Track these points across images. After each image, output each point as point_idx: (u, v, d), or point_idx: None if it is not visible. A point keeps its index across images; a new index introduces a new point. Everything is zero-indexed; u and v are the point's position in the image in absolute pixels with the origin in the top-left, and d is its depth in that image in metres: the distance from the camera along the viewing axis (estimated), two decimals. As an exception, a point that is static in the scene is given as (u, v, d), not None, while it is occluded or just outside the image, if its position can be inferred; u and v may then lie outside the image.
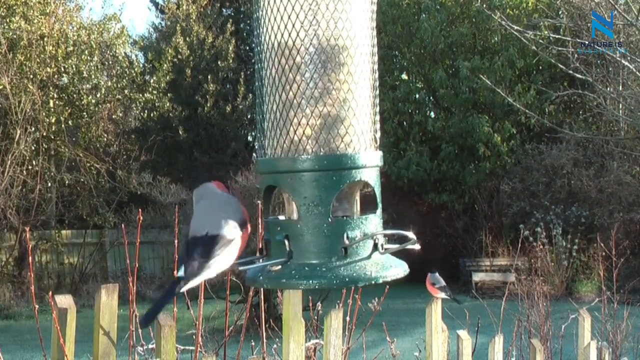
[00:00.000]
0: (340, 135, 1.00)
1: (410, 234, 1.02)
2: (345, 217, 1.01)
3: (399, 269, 1.01)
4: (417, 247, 1.03)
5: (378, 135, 1.05)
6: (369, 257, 1.00)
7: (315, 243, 0.98)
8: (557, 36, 10.65)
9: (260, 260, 1.04)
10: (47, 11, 12.14)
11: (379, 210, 1.03)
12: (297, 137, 1.00)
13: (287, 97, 1.01)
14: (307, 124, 1.00)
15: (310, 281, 0.97)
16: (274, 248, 1.02)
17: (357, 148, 1.01)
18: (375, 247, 1.00)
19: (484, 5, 13.29)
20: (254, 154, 16.16)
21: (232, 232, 1.01)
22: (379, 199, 1.04)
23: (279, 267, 0.99)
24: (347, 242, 0.98)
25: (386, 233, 1.02)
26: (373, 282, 0.98)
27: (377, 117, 1.06)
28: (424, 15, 13.93)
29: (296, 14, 0.99)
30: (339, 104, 1.00)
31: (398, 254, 1.04)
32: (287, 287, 1.01)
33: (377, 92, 1.06)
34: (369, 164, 1.01)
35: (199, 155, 15.33)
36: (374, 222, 1.02)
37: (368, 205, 1.05)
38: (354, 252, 0.99)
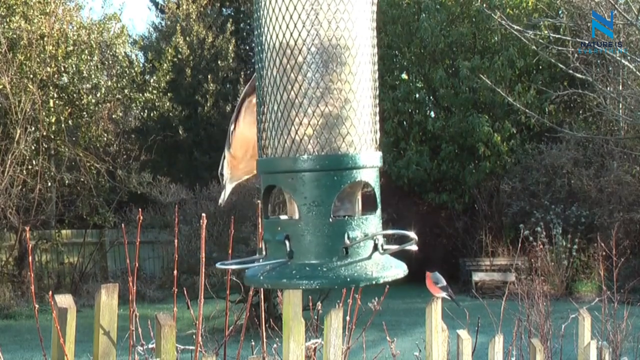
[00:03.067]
0: (341, 135, 1.00)
1: (412, 234, 1.02)
2: (346, 217, 1.02)
3: (399, 270, 1.02)
4: (414, 247, 1.03)
5: (378, 135, 1.05)
6: (369, 257, 1.00)
7: (316, 243, 0.98)
8: (557, 36, 10.66)
9: (260, 260, 1.04)
10: (47, 11, 12.13)
11: (379, 211, 1.04)
12: (299, 136, 1.00)
13: (289, 96, 1.00)
14: (309, 123, 1.00)
15: (312, 281, 0.97)
16: (274, 248, 1.02)
17: (358, 148, 1.01)
18: (375, 247, 1.01)
19: (484, 5, 13.30)
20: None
21: None
22: (378, 200, 1.04)
23: (279, 266, 0.99)
24: (348, 242, 0.98)
25: (387, 233, 1.03)
26: (374, 282, 0.98)
27: (377, 118, 1.06)
28: (424, 15, 13.92)
29: (298, 14, 0.99)
30: (341, 104, 1.00)
31: (397, 254, 1.04)
32: (288, 287, 1.02)
33: (378, 92, 1.06)
34: (369, 164, 1.02)
35: (199, 155, 15.33)
36: (373, 223, 1.02)
37: (368, 205, 1.05)
38: (355, 253, 0.99)
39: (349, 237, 0.98)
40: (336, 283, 0.97)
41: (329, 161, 0.99)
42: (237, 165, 1.27)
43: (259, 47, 1.05)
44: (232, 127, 1.26)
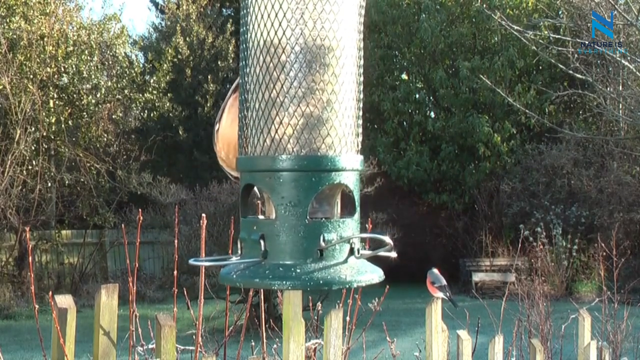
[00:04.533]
0: (322, 136, 0.99)
1: (387, 239, 0.99)
2: (323, 219, 1.00)
3: (374, 275, 1.00)
4: (393, 254, 1.01)
5: (360, 139, 1.05)
6: (345, 261, 0.99)
7: (291, 243, 0.97)
8: (557, 36, 10.66)
9: (234, 259, 1.03)
10: (47, 11, 12.13)
11: (357, 215, 1.03)
12: (279, 136, 0.99)
13: (271, 95, 1.00)
14: (290, 123, 0.99)
15: (284, 282, 0.96)
16: (249, 247, 1.01)
17: (338, 150, 1.00)
18: (351, 251, 1.00)
19: (484, 5, 13.30)
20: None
21: None
22: (357, 203, 1.03)
23: (253, 266, 0.99)
24: (323, 244, 0.97)
25: (362, 237, 1.02)
26: (347, 286, 0.97)
27: (360, 121, 1.05)
28: (424, 15, 13.93)
29: (283, 13, 0.99)
30: (322, 105, 0.99)
31: (376, 258, 1.03)
32: (260, 287, 1.01)
33: (362, 95, 1.05)
34: (349, 167, 1.01)
35: (199, 155, 15.33)
36: (351, 226, 1.00)
37: (348, 208, 1.04)
38: (330, 255, 0.98)
39: (324, 239, 0.97)
40: (309, 285, 0.96)
41: (308, 162, 0.98)
42: (222, 161, 1.27)
43: (244, 45, 1.05)
44: (216, 127, 1.25)
